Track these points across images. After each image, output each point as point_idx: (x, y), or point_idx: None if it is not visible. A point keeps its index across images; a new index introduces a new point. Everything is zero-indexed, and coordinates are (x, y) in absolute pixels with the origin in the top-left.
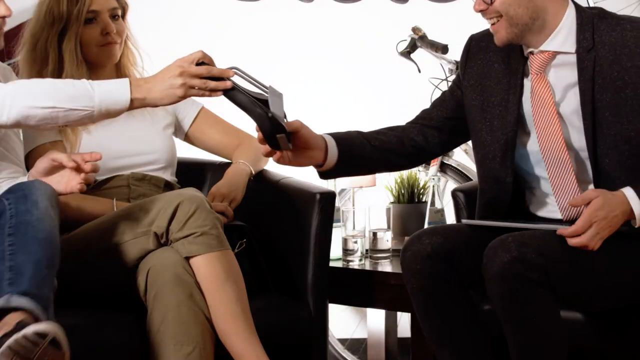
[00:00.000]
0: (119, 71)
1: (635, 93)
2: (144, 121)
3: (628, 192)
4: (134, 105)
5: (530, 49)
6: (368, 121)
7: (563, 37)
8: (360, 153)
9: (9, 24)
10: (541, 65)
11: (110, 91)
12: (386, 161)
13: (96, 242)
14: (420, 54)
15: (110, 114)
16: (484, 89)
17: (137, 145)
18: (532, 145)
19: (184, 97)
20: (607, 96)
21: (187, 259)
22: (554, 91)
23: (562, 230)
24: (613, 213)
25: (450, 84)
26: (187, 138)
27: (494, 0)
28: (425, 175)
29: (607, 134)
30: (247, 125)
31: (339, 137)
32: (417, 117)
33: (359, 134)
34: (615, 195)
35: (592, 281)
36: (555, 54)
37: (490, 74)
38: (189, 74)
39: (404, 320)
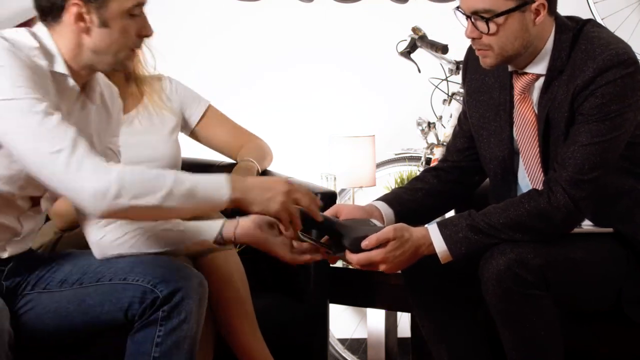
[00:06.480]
0: (128, 72)
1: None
2: (150, 126)
3: (432, 231)
4: (229, 205)
5: (514, 68)
6: (368, 121)
7: (547, 60)
8: (413, 206)
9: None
10: (524, 87)
11: (210, 193)
12: (440, 204)
13: None
14: (420, 54)
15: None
16: (479, 105)
17: (142, 151)
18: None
19: (275, 215)
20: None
21: (195, 257)
22: (538, 113)
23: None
24: (403, 256)
25: (450, 84)
26: (192, 135)
27: (490, 31)
28: None
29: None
30: (252, 125)
31: (388, 200)
32: (445, 155)
33: (400, 189)
34: (412, 235)
35: (588, 282)
36: (538, 76)
37: (483, 88)
38: (293, 198)
39: (404, 320)
